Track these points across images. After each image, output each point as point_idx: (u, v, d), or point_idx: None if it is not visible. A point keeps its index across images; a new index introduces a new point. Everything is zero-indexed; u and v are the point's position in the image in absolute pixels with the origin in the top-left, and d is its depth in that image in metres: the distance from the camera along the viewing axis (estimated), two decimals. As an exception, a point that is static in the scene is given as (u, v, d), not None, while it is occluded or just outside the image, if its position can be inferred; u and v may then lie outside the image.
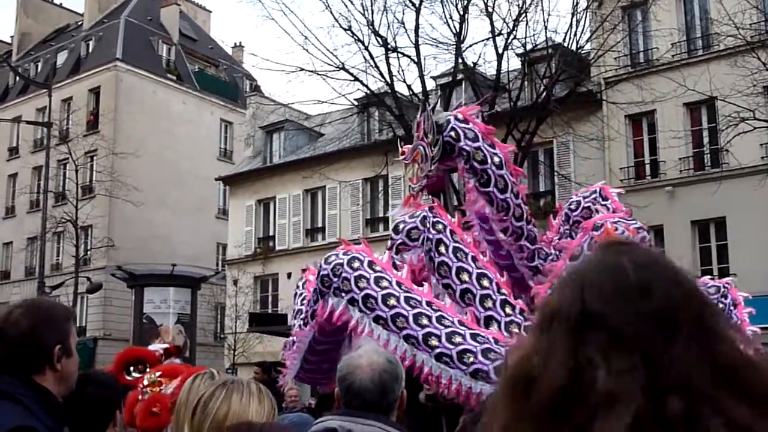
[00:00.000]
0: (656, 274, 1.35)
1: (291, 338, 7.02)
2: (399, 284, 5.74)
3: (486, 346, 5.32)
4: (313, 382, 7.56)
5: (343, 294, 5.81)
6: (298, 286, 7.43)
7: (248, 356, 31.26)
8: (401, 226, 6.27)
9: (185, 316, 23.14)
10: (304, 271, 7.81)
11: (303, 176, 32.00)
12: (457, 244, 6.00)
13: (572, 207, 6.82)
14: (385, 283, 5.69)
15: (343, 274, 5.82)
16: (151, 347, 7.57)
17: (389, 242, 6.43)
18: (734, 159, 21.86)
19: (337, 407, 3.23)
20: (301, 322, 6.72)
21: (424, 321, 5.49)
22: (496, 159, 6.43)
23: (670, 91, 23.16)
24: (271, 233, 34.98)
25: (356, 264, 5.82)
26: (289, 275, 32.96)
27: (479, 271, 5.86)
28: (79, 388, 3.55)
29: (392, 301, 5.61)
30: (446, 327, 5.44)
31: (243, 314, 32.73)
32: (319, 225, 33.66)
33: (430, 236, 6.00)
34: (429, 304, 5.65)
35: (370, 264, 5.86)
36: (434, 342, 5.41)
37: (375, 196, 31.38)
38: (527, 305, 6.01)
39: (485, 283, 5.82)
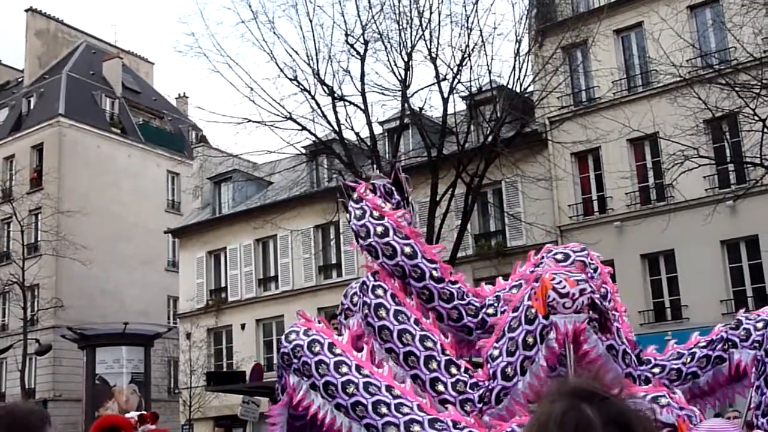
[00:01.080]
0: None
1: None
2: (359, 369, 5.71)
3: None
4: None
5: (305, 378, 5.77)
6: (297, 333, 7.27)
7: (204, 411, 30.80)
8: (348, 291, 6.23)
9: (139, 374, 22.64)
10: (258, 322, 7.69)
11: (253, 226, 31.83)
12: (398, 308, 5.97)
13: (558, 258, 6.69)
14: (344, 369, 5.67)
15: (303, 358, 5.77)
16: (127, 415, 7.44)
17: (339, 307, 6.39)
18: (679, 193, 22.27)
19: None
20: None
21: (383, 409, 5.50)
22: (407, 249, 6.45)
23: (614, 129, 23.60)
24: (223, 284, 34.63)
25: (317, 348, 5.77)
26: (243, 326, 32.64)
27: (422, 333, 5.83)
28: None
29: (351, 389, 5.60)
30: (404, 415, 5.45)
31: (197, 368, 32.26)
32: (272, 274, 33.42)
33: (368, 300, 5.97)
34: (389, 389, 5.62)
35: (330, 347, 5.81)
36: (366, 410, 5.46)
37: (327, 243, 31.32)
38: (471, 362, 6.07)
39: (428, 344, 5.81)
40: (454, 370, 5.76)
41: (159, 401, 30.89)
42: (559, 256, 6.59)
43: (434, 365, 5.70)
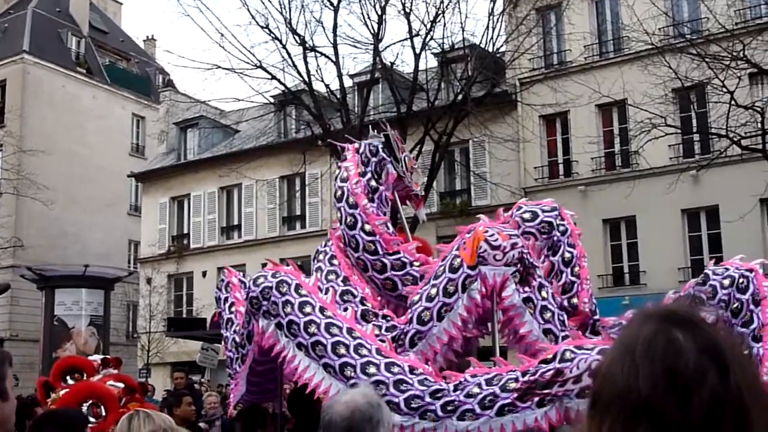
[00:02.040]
0: (714, 362, 1.34)
1: (228, 354, 6.93)
2: (322, 310, 5.84)
3: (399, 377, 5.48)
4: (261, 402, 7.53)
5: (272, 318, 5.89)
6: (219, 289, 7.31)
7: (162, 357, 30.83)
8: (260, 280, 6.13)
9: (98, 318, 22.52)
10: (220, 270, 7.77)
11: (218, 174, 31.66)
12: (304, 298, 5.96)
13: (526, 217, 6.75)
14: (308, 309, 5.81)
15: (272, 298, 5.89)
16: (90, 358, 7.44)
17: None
18: (645, 161, 22.46)
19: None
20: (235, 336, 6.67)
21: (342, 350, 5.64)
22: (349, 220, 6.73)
23: (583, 94, 23.67)
24: (185, 231, 34.50)
25: (284, 288, 5.90)
26: (204, 274, 32.59)
27: (327, 321, 5.85)
28: (37, 428, 3.45)
29: (313, 329, 5.74)
30: (362, 357, 5.60)
31: (157, 314, 32.22)
32: (235, 223, 33.33)
33: (275, 299, 5.97)
34: (350, 331, 5.76)
35: (297, 288, 5.95)
36: (349, 373, 5.57)
37: (292, 195, 31.26)
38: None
39: (334, 331, 5.84)
40: (371, 317, 5.95)
41: (117, 345, 30.84)
42: (526, 215, 6.66)
43: (342, 350, 5.72)
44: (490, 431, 5.31)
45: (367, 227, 6.51)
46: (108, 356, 7.30)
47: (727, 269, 6.32)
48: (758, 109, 18.29)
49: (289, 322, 5.83)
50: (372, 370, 5.55)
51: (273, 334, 5.90)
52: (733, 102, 17.71)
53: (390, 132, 7.24)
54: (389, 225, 6.72)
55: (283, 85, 24.62)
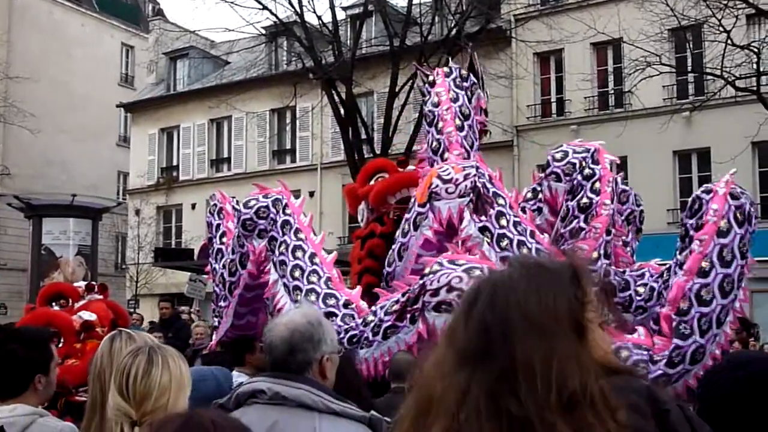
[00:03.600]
0: (489, 292, 1.63)
1: (216, 288, 6.89)
2: (297, 232, 6.07)
3: (329, 310, 5.66)
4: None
5: (266, 235, 6.16)
6: (212, 213, 7.23)
7: (150, 288, 30.85)
8: (251, 202, 6.34)
9: (86, 247, 22.51)
10: (211, 197, 7.64)
11: (208, 105, 31.33)
12: (286, 217, 6.20)
13: (557, 156, 6.66)
14: (286, 229, 6.09)
15: (270, 215, 6.14)
16: (75, 284, 7.37)
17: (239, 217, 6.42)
18: (638, 100, 22.32)
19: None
20: (224, 271, 6.66)
21: (297, 273, 5.90)
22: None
23: (579, 31, 23.39)
24: (174, 163, 34.30)
25: (278, 206, 6.19)
26: (193, 206, 32.50)
27: (296, 243, 6.08)
28: (1, 345, 3.39)
29: (282, 248, 6.04)
30: (309, 283, 5.83)
31: (145, 245, 32.19)
32: (225, 155, 33.14)
33: (273, 216, 6.19)
34: (312, 256, 5.97)
35: (285, 208, 6.19)
36: (297, 296, 5.82)
37: (282, 128, 31.02)
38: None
39: (298, 254, 6.02)
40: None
41: (105, 275, 30.84)
42: (558, 155, 6.60)
43: (314, 278, 5.93)
44: (381, 356, 5.46)
45: (446, 155, 6.43)
46: (93, 282, 7.22)
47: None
48: (754, 49, 18.10)
49: (271, 237, 6.12)
50: (312, 297, 5.75)
51: (264, 250, 6.15)
52: (729, 42, 17.52)
53: (474, 58, 7.05)
54: (470, 155, 6.49)
55: (275, 15, 24.29)
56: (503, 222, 5.70)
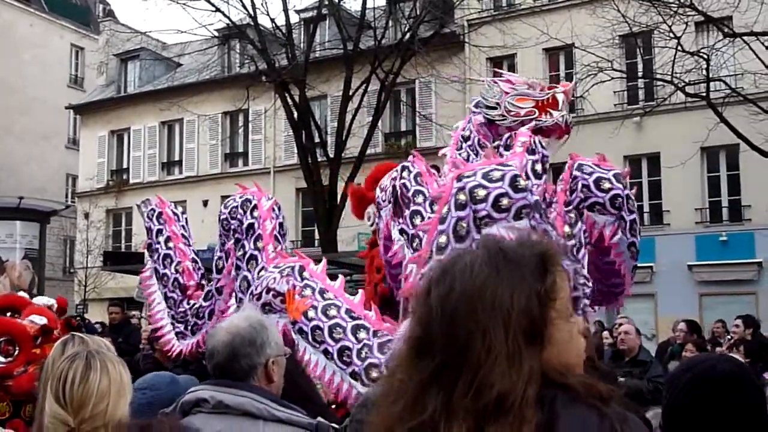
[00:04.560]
0: (448, 274, 1.57)
1: (171, 294, 6.79)
2: (257, 239, 6.12)
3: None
4: None
5: (234, 235, 6.26)
6: (150, 218, 7.07)
7: (99, 292, 30.40)
8: (229, 202, 6.36)
9: (33, 251, 22.00)
10: (145, 202, 7.48)
11: (160, 108, 30.95)
12: (251, 221, 6.20)
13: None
14: (249, 233, 6.13)
15: (238, 216, 6.18)
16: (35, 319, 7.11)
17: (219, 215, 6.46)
18: (590, 106, 22.52)
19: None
20: (178, 276, 6.63)
21: (244, 285, 5.97)
22: None
23: (531, 36, 23.54)
24: (125, 165, 33.86)
25: (247, 207, 6.22)
26: (143, 209, 32.06)
27: (251, 248, 6.15)
28: None
29: (240, 253, 6.11)
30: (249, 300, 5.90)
31: (94, 249, 31.71)
32: (176, 158, 32.80)
33: (239, 217, 6.24)
34: (261, 271, 6.00)
35: (252, 210, 6.20)
36: (245, 285, 5.97)
37: (235, 131, 30.79)
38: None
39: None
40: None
41: (53, 280, 30.34)
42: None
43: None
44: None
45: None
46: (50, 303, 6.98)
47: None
48: (704, 55, 18.36)
49: (236, 239, 6.14)
50: (245, 284, 5.94)
51: (232, 247, 6.22)
52: (679, 48, 17.75)
53: (503, 76, 6.73)
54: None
55: (228, 17, 24.08)
56: (417, 221, 5.47)
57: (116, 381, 2.63)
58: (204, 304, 6.64)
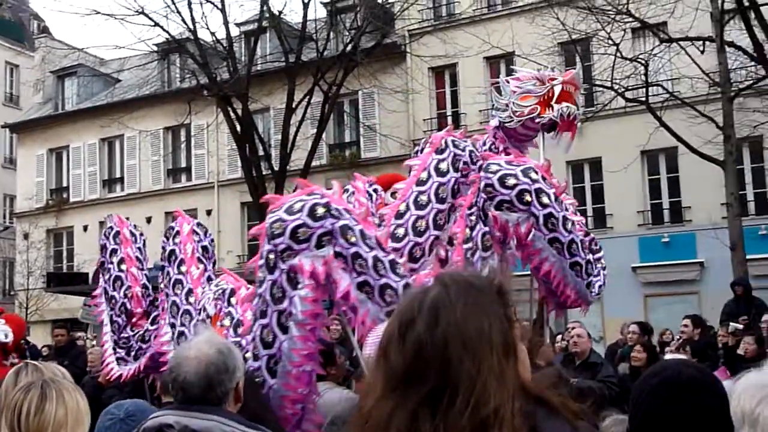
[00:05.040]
0: (429, 317, 1.62)
1: (117, 318, 6.66)
2: (181, 263, 6.19)
3: None
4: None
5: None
6: (107, 237, 6.94)
7: (42, 314, 29.82)
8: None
9: (-28, 274, 21.61)
10: (102, 224, 7.43)
11: (99, 124, 30.48)
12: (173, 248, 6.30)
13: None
14: (172, 259, 6.25)
15: (161, 243, 6.38)
16: None
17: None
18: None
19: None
20: (125, 301, 6.56)
21: (174, 310, 6.04)
22: None
23: (472, 45, 23.73)
24: (64, 184, 33.26)
25: (170, 234, 6.40)
26: (85, 228, 31.56)
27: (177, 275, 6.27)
28: None
29: (166, 280, 6.26)
30: (182, 325, 6.10)
31: (35, 270, 31.08)
32: (117, 175, 32.33)
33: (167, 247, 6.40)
34: (188, 294, 6.09)
35: (175, 236, 6.32)
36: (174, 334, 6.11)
37: (177, 146, 30.44)
38: None
39: (191, 299, 6.07)
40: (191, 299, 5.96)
41: (-7, 303, 29.67)
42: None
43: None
44: None
45: None
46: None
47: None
48: (642, 61, 18.70)
49: (162, 267, 6.30)
50: (183, 340, 5.81)
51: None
52: (618, 54, 18.04)
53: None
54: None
55: (167, 32, 23.86)
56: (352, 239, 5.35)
57: (73, 410, 2.56)
58: (151, 328, 6.55)
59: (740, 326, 11.13)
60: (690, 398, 2.54)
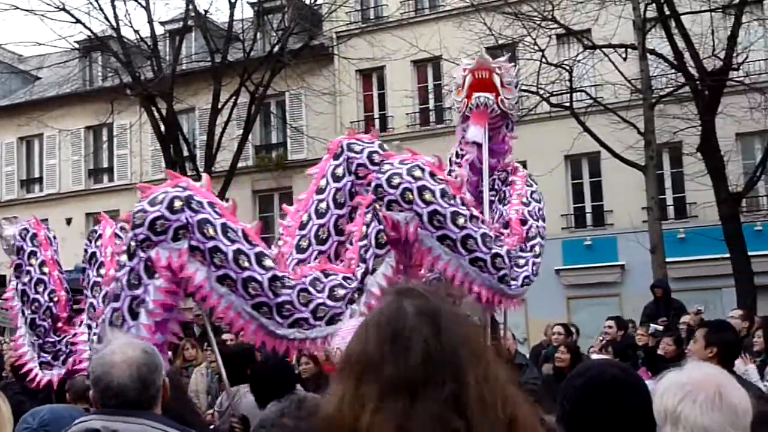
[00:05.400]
0: (430, 324, 1.62)
1: (41, 322, 6.52)
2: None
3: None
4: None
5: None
6: (23, 238, 6.87)
7: (-44, 318, 28.84)
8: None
9: None
10: (10, 219, 7.21)
11: (17, 123, 29.65)
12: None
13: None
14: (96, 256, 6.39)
15: (84, 246, 6.54)
16: None
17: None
18: (458, 116, 22.89)
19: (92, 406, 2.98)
20: (51, 305, 6.45)
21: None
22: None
23: (400, 49, 23.80)
24: (-20, 184, 32.29)
25: (93, 235, 6.35)
26: (1, 230, 30.66)
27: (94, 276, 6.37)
28: None
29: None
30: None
31: (-51, 273, 30.10)
32: (36, 175, 31.53)
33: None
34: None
35: (98, 238, 6.35)
36: (92, 312, 6.13)
37: (99, 146, 29.82)
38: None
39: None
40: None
41: None
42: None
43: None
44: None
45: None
46: None
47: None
48: (566, 67, 18.98)
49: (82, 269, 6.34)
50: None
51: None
52: (544, 60, 18.28)
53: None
54: None
55: (89, 29, 23.33)
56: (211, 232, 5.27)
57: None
58: (52, 339, 6.48)
59: (660, 327, 11.38)
60: (614, 397, 2.61)
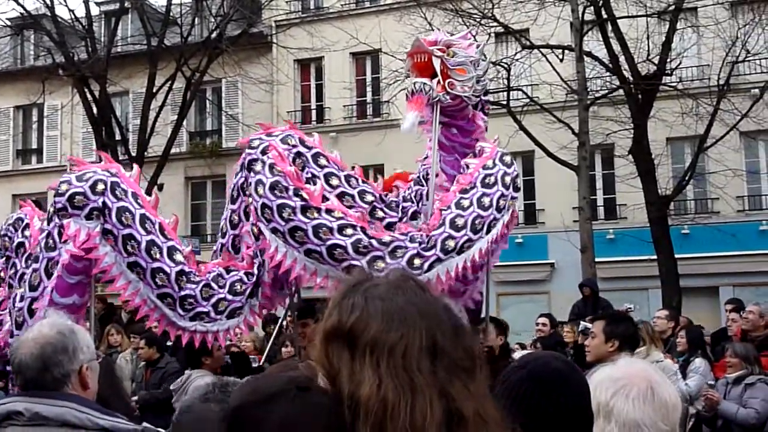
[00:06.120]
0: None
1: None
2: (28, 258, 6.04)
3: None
4: None
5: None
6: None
7: None
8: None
9: None
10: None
11: (-57, 100, 28.87)
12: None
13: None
14: (24, 247, 6.11)
15: (8, 234, 6.20)
16: None
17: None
18: (397, 109, 22.92)
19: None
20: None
21: (154, 252, 5.63)
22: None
23: (339, 40, 23.73)
24: None
25: (19, 224, 6.21)
26: (-76, 209, 29.78)
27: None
28: None
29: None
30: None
31: None
32: (-38, 154, 30.67)
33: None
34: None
35: (25, 228, 6.13)
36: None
37: (28, 126, 29.15)
38: None
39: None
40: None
41: None
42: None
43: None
44: None
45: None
46: None
47: None
48: (504, 65, 19.13)
49: (7, 257, 6.24)
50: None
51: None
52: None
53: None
54: None
55: (22, 6, 22.76)
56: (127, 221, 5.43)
57: None
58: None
59: (590, 325, 11.52)
60: (555, 390, 2.58)
